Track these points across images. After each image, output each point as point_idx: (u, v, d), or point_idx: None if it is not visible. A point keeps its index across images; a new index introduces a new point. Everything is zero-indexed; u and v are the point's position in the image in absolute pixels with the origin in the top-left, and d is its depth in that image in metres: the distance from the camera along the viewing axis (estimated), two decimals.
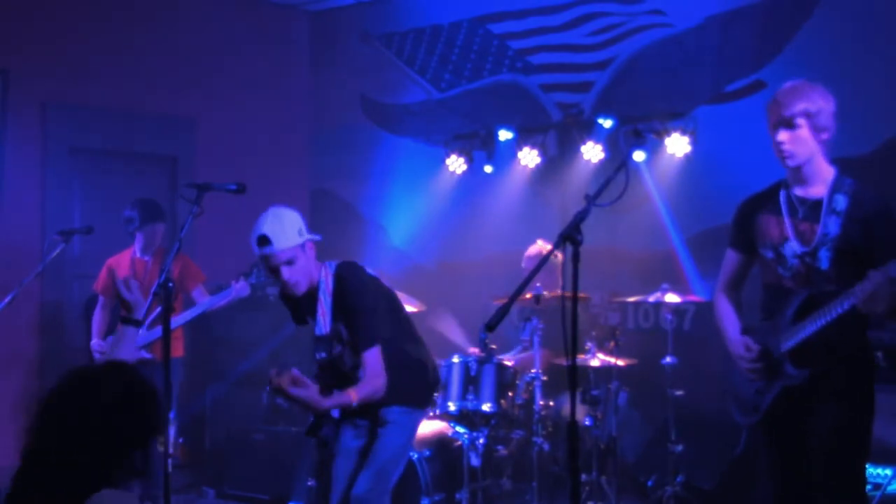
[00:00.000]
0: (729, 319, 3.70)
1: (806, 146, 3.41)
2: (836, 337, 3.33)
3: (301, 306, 4.12)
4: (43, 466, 2.30)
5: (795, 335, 3.39)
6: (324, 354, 4.01)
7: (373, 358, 3.86)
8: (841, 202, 3.38)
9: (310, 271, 3.93)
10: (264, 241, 3.82)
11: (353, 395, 3.79)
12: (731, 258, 3.74)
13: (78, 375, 2.39)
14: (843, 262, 3.35)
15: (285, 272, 3.85)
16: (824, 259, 3.37)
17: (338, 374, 4.02)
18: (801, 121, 3.39)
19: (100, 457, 2.30)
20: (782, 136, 3.42)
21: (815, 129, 3.40)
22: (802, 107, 3.38)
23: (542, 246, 6.38)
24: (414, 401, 4.13)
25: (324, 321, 3.96)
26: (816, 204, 3.43)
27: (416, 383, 4.14)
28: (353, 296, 3.90)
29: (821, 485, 3.38)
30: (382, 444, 4.04)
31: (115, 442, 2.32)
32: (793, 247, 3.45)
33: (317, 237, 4.00)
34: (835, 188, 3.41)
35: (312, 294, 3.99)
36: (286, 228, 3.84)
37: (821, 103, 3.40)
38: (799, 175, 3.47)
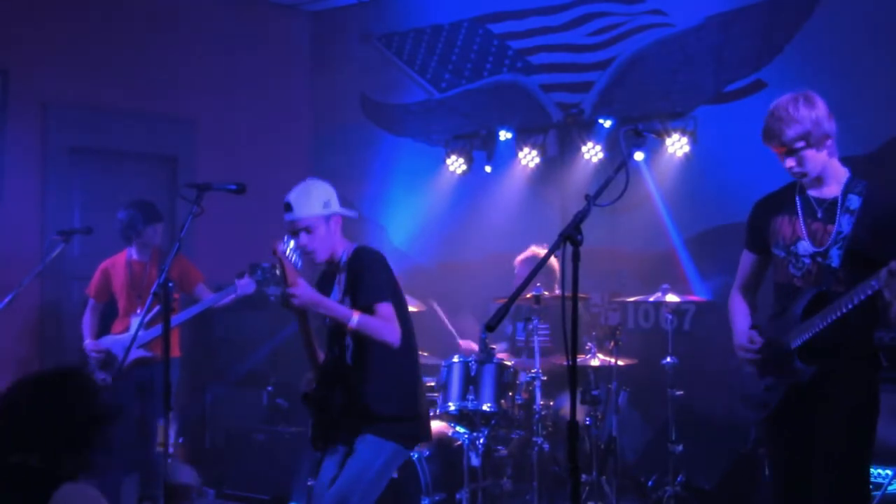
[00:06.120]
0: (740, 316, 3.74)
1: (815, 161, 3.43)
2: (845, 335, 3.36)
3: (324, 284, 4.16)
4: (4, 466, 2.51)
5: (805, 332, 3.41)
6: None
7: (387, 310, 3.89)
8: (854, 201, 3.41)
9: (332, 243, 4.05)
10: (287, 207, 3.99)
11: (356, 316, 3.84)
12: (746, 259, 3.77)
13: (23, 383, 2.64)
14: (853, 260, 3.37)
15: (302, 238, 3.99)
16: (835, 257, 3.39)
17: (342, 368, 3.99)
18: (800, 144, 3.39)
19: (55, 452, 2.54)
20: (790, 163, 3.45)
21: (817, 144, 3.40)
22: (795, 133, 3.38)
23: (535, 251, 6.36)
24: (398, 434, 3.94)
25: (338, 289, 4.06)
26: (832, 204, 3.45)
27: (404, 412, 3.98)
28: (363, 269, 3.98)
29: (824, 480, 3.38)
30: (348, 471, 3.90)
31: (65, 437, 2.57)
32: (805, 246, 3.47)
33: (349, 213, 4.10)
34: (848, 188, 3.44)
35: (333, 269, 4.10)
36: (311, 198, 3.99)
37: (811, 117, 3.37)
38: (815, 180, 3.49)
